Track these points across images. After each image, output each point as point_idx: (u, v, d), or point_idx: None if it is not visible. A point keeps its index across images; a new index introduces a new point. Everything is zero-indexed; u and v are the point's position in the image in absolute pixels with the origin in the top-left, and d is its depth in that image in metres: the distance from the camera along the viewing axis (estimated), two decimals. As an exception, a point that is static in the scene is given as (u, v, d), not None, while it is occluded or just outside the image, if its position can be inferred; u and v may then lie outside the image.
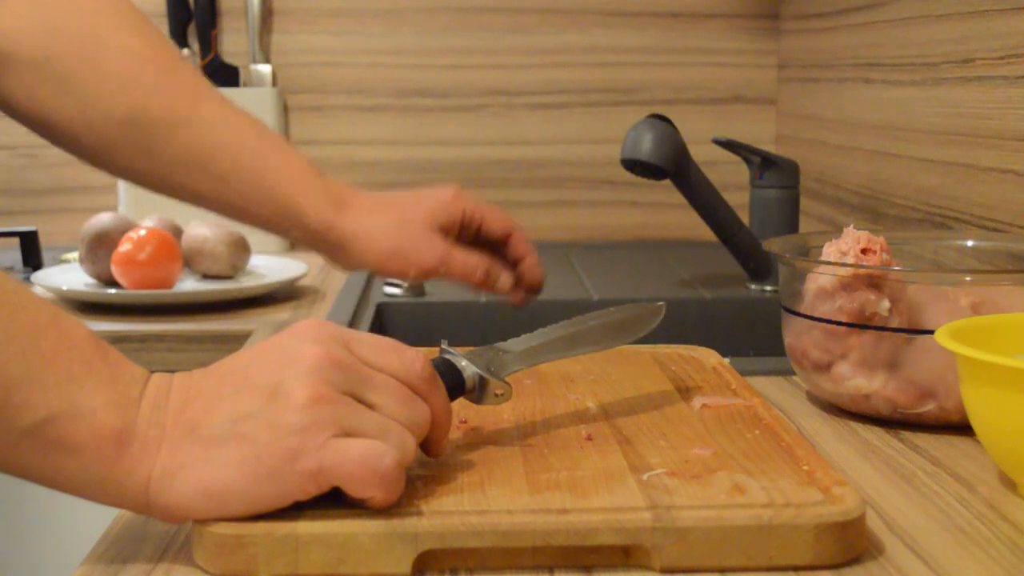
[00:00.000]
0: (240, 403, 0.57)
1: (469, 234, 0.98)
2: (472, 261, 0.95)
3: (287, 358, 0.58)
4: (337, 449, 0.56)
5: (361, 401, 0.58)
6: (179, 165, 0.90)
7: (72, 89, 0.88)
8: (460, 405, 0.75)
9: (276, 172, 0.92)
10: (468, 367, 0.67)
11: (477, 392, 0.67)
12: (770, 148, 1.81)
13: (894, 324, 0.78)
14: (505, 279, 0.97)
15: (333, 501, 0.58)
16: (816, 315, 0.81)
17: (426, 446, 0.63)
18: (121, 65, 0.89)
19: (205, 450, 0.56)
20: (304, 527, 0.56)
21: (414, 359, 0.61)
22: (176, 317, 1.26)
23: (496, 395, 0.67)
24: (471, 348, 0.70)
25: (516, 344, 0.72)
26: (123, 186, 1.68)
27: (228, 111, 0.92)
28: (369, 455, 0.56)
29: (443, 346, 0.70)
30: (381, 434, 0.57)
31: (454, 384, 0.66)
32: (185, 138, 0.90)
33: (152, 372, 0.59)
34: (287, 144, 0.96)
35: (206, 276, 1.41)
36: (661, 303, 0.79)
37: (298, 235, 0.94)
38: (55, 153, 0.94)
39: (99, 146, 0.90)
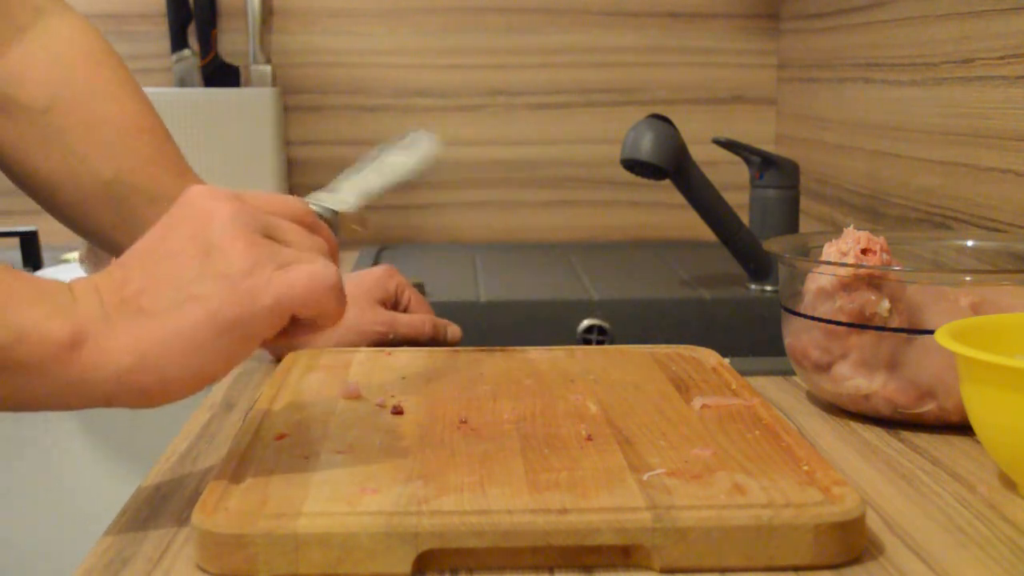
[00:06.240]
0: (177, 270, 0.59)
1: (400, 307, 1.05)
2: (417, 319, 1.02)
3: (200, 218, 0.61)
4: (284, 278, 0.60)
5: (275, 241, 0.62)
6: None
7: (62, 145, 0.88)
8: (460, 406, 0.75)
9: None
10: (317, 207, 0.73)
11: (336, 227, 0.74)
12: (770, 148, 1.81)
13: (894, 324, 0.78)
14: (453, 330, 1.04)
15: (333, 501, 0.58)
16: (816, 315, 0.81)
17: None
18: (115, 131, 0.89)
19: (163, 323, 0.58)
20: (304, 527, 0.56)
21: (295, 200, 0.66)
22: (176, 317, 1.26)
23: (357, 226, 0.75)
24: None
25: (342, 185, 0.80)
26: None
27: None
28: (317, 273, 0.60)
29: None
30: (309, 262, 0.61)
31: None
32: (163, 211, 0.89)
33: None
34: None
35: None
36: (428, 132, 0.90)
37: None
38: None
39: (76, 202, 0.90)
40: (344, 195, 0.81)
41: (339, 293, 0.61)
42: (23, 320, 0.56)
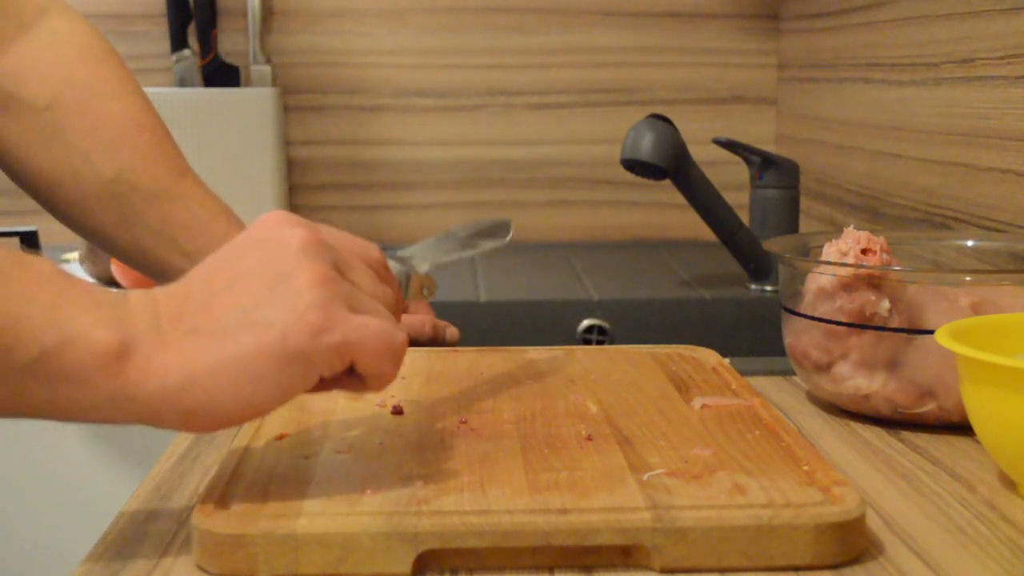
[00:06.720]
0: (242, 294, 0.57)
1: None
2: (417, 320, 1.01)
3: (275, 244, 0.58)
4: (360, 324, 0.57)
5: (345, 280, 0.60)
6: (151, 234, 0.90)
7: (64, 142, 0.88)
8: (460, 406, 0.75)
9: None
10: (394, 265, 0.73)
11: (404, 289, 0.73)
12: (770, 148, 1.81)
13: (894, 324, 0.78)
14: (452, 331, 1.04)
15: (333, 501, 0.58)
16: (816, 315, 0.81)
17: None
18: (116, 129, 0.89)
19: (218, 346, 0.56)
20: (304, 527, 0.55)
21: (370, 245, 0.64)
22: (176, 317, 1.26)
23: (425, 291, 0.76)
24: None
25: (414, 251, 0.80)
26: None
27: (205, 191, 0.93)
28: (387, 331, 0.58)
29: None
30: (375, 312, 0.59)
31: None
32: (164, 209, 0.90)
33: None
34: None
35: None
36: (508, 219, 0.95)
37: None
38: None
39: (76, 200, 0.90)
40: (417, 259, 0.82)
41: (399, 358, 0.59)
42: (72, 327, 0.54)
